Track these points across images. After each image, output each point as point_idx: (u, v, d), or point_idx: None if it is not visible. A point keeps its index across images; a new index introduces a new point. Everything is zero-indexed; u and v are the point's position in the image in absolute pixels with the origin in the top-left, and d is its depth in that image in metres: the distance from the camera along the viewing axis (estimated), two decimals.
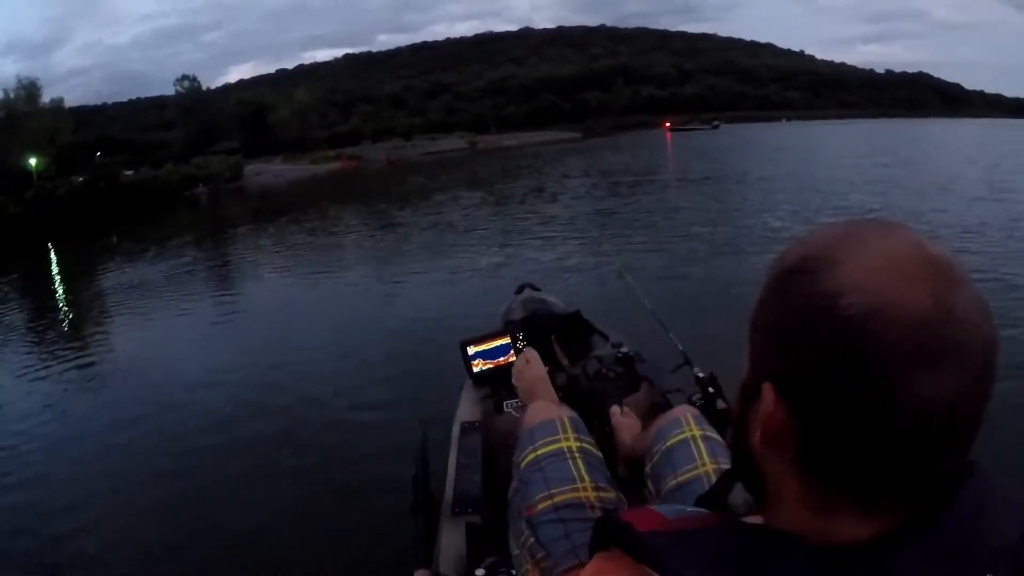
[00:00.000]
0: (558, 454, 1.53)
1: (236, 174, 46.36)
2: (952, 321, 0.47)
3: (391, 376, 5.38)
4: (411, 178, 31.03)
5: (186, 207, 32.12)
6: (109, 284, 11.78)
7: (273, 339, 7.05)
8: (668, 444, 1.61)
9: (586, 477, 1.49)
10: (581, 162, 32.58)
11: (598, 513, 1.37)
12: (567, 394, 2.27)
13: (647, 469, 1.65)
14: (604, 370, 2.36)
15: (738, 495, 0.78)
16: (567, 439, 1.57)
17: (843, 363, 0.48)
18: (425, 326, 6.62)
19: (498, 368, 2.69)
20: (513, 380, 2.01)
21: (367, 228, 15.44)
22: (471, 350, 2.70)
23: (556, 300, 3.34)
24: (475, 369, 2.71)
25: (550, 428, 1.60)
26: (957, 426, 0.49)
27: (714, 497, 0.76)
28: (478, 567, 1.65)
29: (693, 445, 1.58)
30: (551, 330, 2.79)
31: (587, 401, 2.24)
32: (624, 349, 2.49)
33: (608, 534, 0.61)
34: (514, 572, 1.50)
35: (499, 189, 21.17)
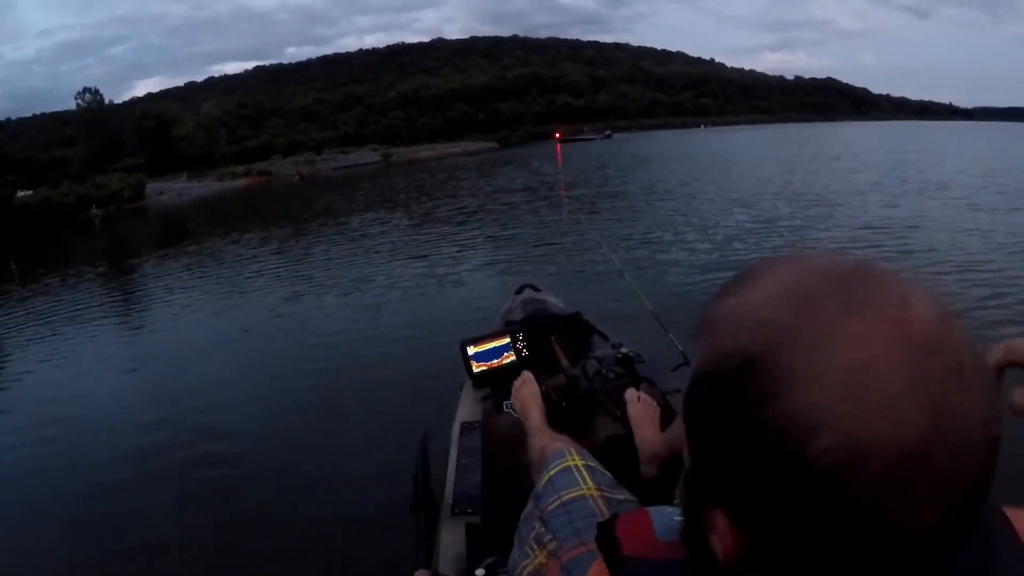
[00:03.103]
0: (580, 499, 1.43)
1: (137, 193, 44.16)
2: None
3: (390, 378, 5.41)
4: (327, 195, 29.81)
5: (80, 232, 29.99)
6: None
7: (259, 351, 6.99)
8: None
9: (593, 484, 1.44)
10: (511, 172, 31.92)
11: (602, 506, 1.37)
12: (567, 395, 2.28)
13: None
14: (604, 370, 2.33)
15: None
16: (588, 488, 1.45)
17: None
18: (422, 331, 6.66)
19: (498, 368, 2.69)
20: (512, 398, 2.07)
21: (318, 250, 14.15)
22: (471, 350, 2.69)
23: (556, 300, 3.35)
24: (475, 369, 2.69)
25: (569, 479, 1.49)
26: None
27: None
28: (478, 567, 1.59)
29: None
30: (551, 331, 2.76)
31: (587, 402, 2.23)
32: (624, 350, 2.48)
33: (602, 543, 0.60)
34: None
35: (432, 205, 20.31)
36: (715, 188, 17.48)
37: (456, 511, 1.92)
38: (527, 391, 2.04)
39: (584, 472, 1.46)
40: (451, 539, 1.83)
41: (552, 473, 1.49)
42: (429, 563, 1.79)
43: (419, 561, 1.79)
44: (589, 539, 1.20)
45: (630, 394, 2.15)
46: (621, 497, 1.44)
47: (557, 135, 79.44)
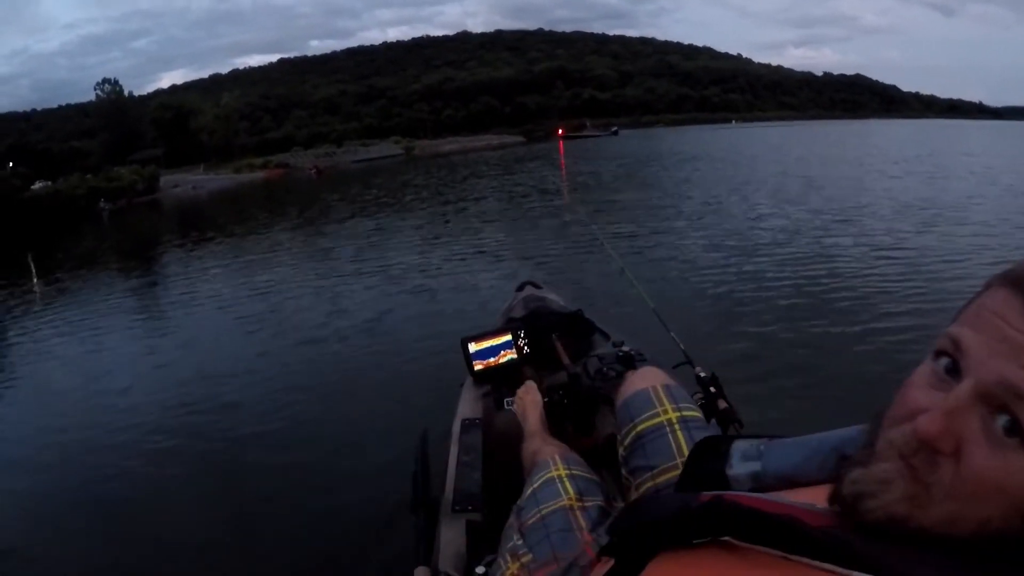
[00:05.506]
0: (559, 510, 1.51)
1: (150, 186, 43.00)
2: None
3: (392, 374, 5.34)
4: (340, 193, 28.36)
5: (87, 226, 28.87)
6: None
7: (254, 347, 6.72)
8: (639, 428, 1.54)
9: (574, 493, 1.54)
10: (537, 170, 30.11)
11: (579, 517, 1.45)
12: (568, 393, 2.27)
13: (621, 452, 1.61)
14: (605, 368, 2.26)
15: (742, 467, 0.77)
16: (568, 498, 1.54)
17: None
18: (424, 327, 6.52)
19: (499, 365, 2.72)
20: (515, 405, 2.23)
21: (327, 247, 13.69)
22: (472, 348, 2.71)
23: (557, 298, 3.31)
24: (476, 367, 2.70)
25: (551, 490, 1.59)
26: None
27: (705, 474, 0.77)
28: (478, 565, 1.64)
29: (670, 434, 1.50)
30: (552, 328, 2.74)
31: (588, 400, 2.23)
32: (625, 348, 2.38)
33: (743, 526, 0.56)
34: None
35: (446, 205, 19.05)
36: (788, 192, 15.42)
37: (457, 508, 1.93)
38: (529, 399, 2.18)
39: (567, 482, 1.58)
40: (451, 536, 1.84)
41: (536, 486, 1.61)
42: (429, 560, 1.78)
43: (419, 559, 1.77)
44: (563, 554, 1.33)
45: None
46: (600, 504, 1.56)
47: (560, 131, 77.26)
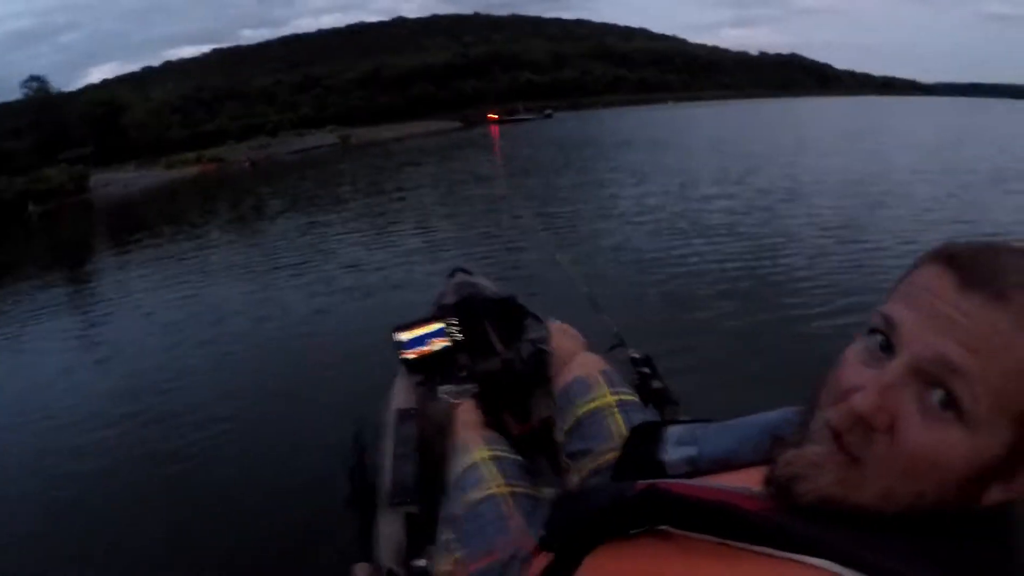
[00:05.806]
0: (489, 499, 1.52)
1: (79, 186, 42.12)
2: None
3: (324, 371, 5.40)
4: (272, 186, 28.32)
5: (17, 230, 28.25)
6: None
7: (188, 351, 6.66)
8: (579, 412, 1.60)
9: (501, 478, 1.53)
10: (471, 155, 30.70)
11: (511, 504, 1.42)
12: (504, 376, 2.30)
13: (560, 437, 1.66)
14: (538, 353, 2.30)
15: (676, 452, 0.77)
16: (497, 484, 1.54)
17: None
18: (359, 318, 6.71)
19: (432, 354, 2.63)
20: (456, 427, 2.08)
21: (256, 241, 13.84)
22: (404, 336, 2.63)
23: (489, 283, 3.22)
24: (408, 356, 2.62)
25: (476, 477, 1.58)
26: None
27: (641, 461, 0.77)
28: (418, 558, 1.66)
29: (609, 417, 1.55)
30: (485, 314, 2.71)
31: (522, 385, 2.26)
32: None
33: (677, 514, 0.56)
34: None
35: (379, 194, 19.35)
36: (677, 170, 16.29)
37: (394, 501, 1.89)
38: (469, 420, 2.05)
39: (492, 465, 1.58)
40: (390, 530, 1.82)
41: (459, 470, 1.62)
42: (370, 556, 1.75)
43: (359, 554, 1.74)
44: (498, 547, 1.30)
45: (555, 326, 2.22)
46: (529, 491, 1.54)
47: (493, 116, 77.00)
